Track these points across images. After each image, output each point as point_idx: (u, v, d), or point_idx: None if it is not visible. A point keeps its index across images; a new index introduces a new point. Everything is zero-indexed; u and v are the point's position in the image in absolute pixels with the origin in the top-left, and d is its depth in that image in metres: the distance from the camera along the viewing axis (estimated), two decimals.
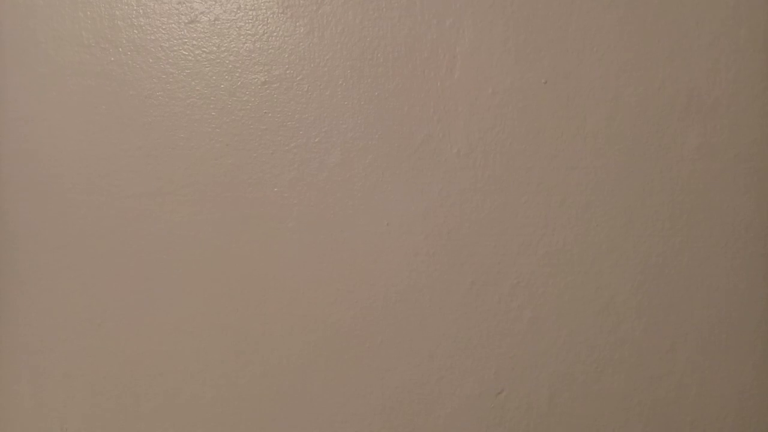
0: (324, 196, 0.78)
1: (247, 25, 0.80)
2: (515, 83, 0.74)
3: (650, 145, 0.73)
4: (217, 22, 0.80)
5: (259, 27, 0.79)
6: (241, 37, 0.80)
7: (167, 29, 0.81)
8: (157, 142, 0.81)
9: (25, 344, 0.86)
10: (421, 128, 0.76)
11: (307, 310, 0.79)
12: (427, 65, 0.76)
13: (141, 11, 0.82)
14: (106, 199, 0.83)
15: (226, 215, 0.80)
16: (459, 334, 0.77)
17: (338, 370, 0.79)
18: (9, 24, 0.84)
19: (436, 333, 0.77)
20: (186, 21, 0.81)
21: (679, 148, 0.73)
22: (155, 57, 0.81)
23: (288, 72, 0.79)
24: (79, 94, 0.83)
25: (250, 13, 0.79)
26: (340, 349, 0.79)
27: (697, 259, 0.73)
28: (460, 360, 0.77)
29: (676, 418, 0.74)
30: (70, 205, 0.84)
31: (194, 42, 0.81)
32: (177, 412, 0.82)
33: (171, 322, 0.82)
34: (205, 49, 0.80)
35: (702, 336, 0.73)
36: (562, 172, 0.74)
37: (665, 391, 0.74)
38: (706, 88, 0.72)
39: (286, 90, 0.79)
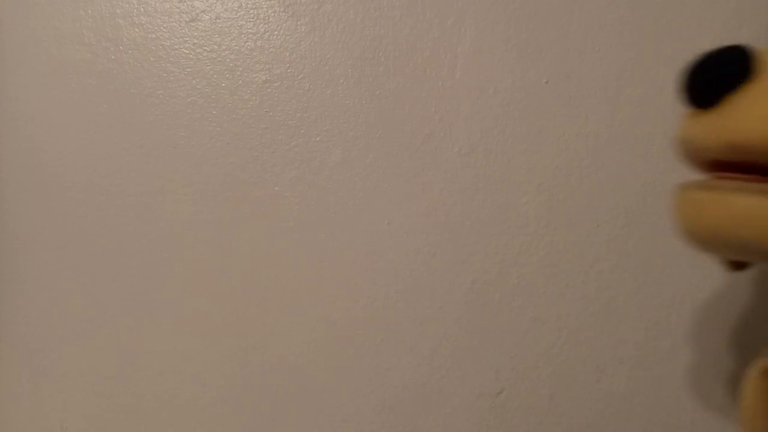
0: (325, 195, 0.78)
1: (248, 23, 0.80)
2: (517, 83, 0.75)
3: (652, 144, 0.73)
4: (218, 20, 0.80)
5: (261, 25, 0.79)
6: (243, 35, 0.80)
7: (168, 28, 0.81)
8: (158, 141, 0.81)
9: (25, 344, 0.85)
10: (422, 127, 0.76)
11: (307, 310, 0.79)
12: (428, 64, 0.76)
13: (142, 9, 0.82)
14: (107, 198, 0.83)
15: (227, 214, 0.80)
16: (459, 334, 0.77)
17: (338, 370, 0.79)
18: (9, 22, 0.84)
19: (436, 332, 0.77)
20: (187, 19, 0.81)
21: None
22: (156, 55, 0.81)
23: (289, 71, 0.79)
24: (79, 92, 0.83)
25: (252, 11, 0.79)
26: (340, 349, 0.79)
27: (698, 258, 0.73)
28: (460, 359, 0.77)
29: (676, 418, 0.74)
30: (71, 205, 0.84)
31: (195, 40, 0.81)
32: (177, 412, 0.82)
33: (171, 322, 0.82)
34: (206, 48, 0.80)
35: (702, 336, 0.73)
36: (564, 171, 0.74)
37: (665, 391, 0.74)
38: None
39: (287, 89, 0.79)
